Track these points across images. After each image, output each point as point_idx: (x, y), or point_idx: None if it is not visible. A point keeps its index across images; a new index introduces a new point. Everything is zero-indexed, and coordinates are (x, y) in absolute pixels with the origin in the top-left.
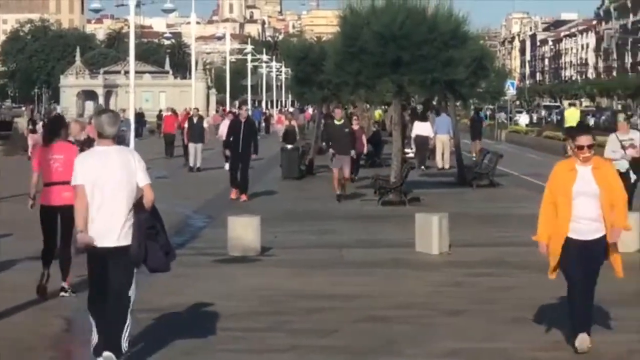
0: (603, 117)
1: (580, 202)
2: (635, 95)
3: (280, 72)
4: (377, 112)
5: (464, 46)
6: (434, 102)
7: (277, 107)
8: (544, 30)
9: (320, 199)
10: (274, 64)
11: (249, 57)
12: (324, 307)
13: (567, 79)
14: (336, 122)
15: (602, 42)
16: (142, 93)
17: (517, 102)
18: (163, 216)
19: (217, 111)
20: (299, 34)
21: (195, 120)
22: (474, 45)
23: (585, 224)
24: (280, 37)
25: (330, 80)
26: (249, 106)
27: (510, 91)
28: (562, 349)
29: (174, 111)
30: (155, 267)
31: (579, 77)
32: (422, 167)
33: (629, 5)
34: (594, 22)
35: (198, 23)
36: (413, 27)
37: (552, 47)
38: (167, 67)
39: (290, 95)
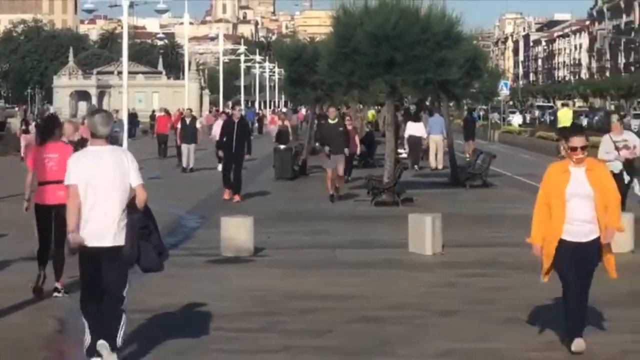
0: (596, 118)
1: (574, 203)
2: (628, 95)
3: (274, 72)
4: (371, 113)
5: (457, 46)
6: (427, 103)
7: (270, 107)
8: (537, 30)
9: (313, 200)
10: (267, 64)
11: (242, 58)
12: (317, 308)
13: (560, 79)
14: (330, 121)
15: (595, 42)
16: (135, 93)
17: (511, 103)
18: (156, 217)
19: (210, 111)
20: (292, 34)
21: (188, 121)
22: (467, 45)
23: (579, 225)
24: (274, 37)
25: (323, 81)
26: (242, 106)
27: (504, 91)
28: (556, 349)
29: (167, 111)
30: (148, 267)
31: (572, 78)
32: (415, 166)
33: (622, 5)
34: (587, 23)
35: (191, 23)
36: (406, 28)
37: (545, 47)
38: (160, 67)
39: (283, 96)
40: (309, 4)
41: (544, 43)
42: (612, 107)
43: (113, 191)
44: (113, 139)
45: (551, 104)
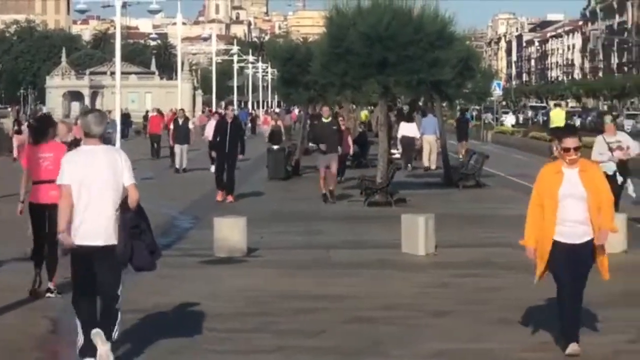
0: (589, 118)
1: (567, 204)
2: (621, 95)
3: (267, 72)
4: (364, 113)
5: (450, 47)
6: (420, 103)
7: (263, 107)
8: (530, 31)
9: (306, 200)
10: (260, 64)
11: (235, 58)
12: (310, 308)
13: (553, 79)
14: (324, 119)
15: (588, 42)
16: (128, 94)
17: (504, 103)
18: (149, 217)
19: (203, 112)
20: (285, 34)
21: (180, 121)
22: (460, 46)
23: (572, 226)
24: (267, 37)
25: (316, 81)
26: (235, 107)
27: (497, 92)
28: (549, 349)
29: (159, 111)
30: (140, 266)
31: (565, 78)
32: (409, 165)
33: (615, 6)
34: (580, 23)
35: (184, 24)
36: (399, 28)
37: (538, 47)
38: (153, 68)
39: (276, 96)
40: (302, 5)
41: (536, 43)
42: (605, 108)
43: (107, 190)
44: (106, 140)
45: (544, 104)
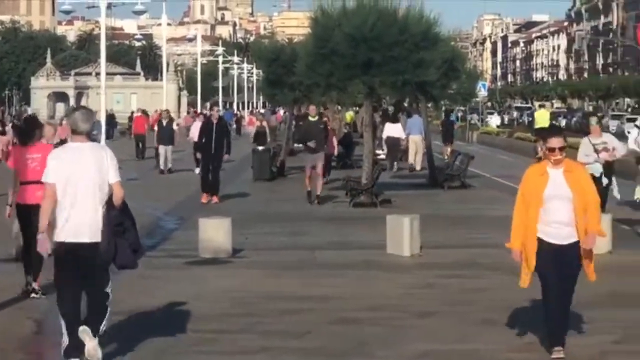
0: (574, 119)
1: (552, 205)
2: (606, 96)
3: (252, 73)
4: (349, 114)
5: (435, 48)
6: (405, 104)
7: (248, 108)
8: (515, 31)
9: (291, 201)
10: (245, 65)
11: (220, 59)
12: (295, 309)
13: (538, 80)
14: (310, 118)
15: (573, 43)
16: (113, 95)
17: (489, 104)
18: (134, 218)
19: (188, 113)
20: (270, 35)
21: (165, 122)
22: (445, 46)
23: (558, 228)
24: (252, 38)
25: (301, 82)
26: (220, 107)
27: (482, 93)
28: (534, 350)
29: (144, 112)
30: (123, 264)
31: (550, 79)
32: (395, 163)
33: (600, 6)
34: (565, 24)
35: (169, 25)
36: (384, 29)
37: (523, 48)
38: (138, 68)
39: (261, 97)
40: (287, 5)
41: (522, 44)
42: (590, 108)
43: (93, 188)
44: (91, 141)
45: (529, 105)
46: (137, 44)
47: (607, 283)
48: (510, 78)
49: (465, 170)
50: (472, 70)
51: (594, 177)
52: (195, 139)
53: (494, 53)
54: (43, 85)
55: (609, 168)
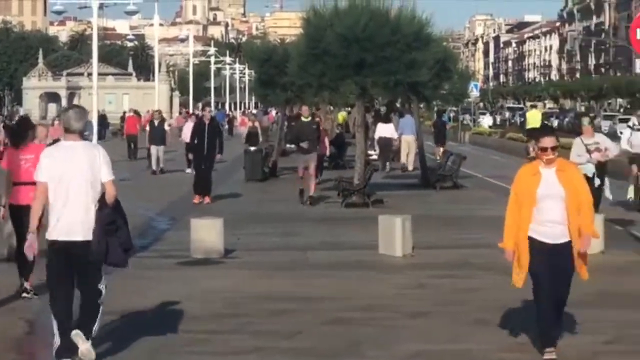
0: (566, 119)
1: (545, 205)
2: (598, 97)
3: (244, 74)
4: (341, 115)
5: (427, 48)
6: (398, 104)
7: (240, 109)
8: (508, 32)
9: (283, 201)
10: (237, 65)
11: (212, 59)
12: (287, 309)
13: (530, 80)
14: (303, 118)
15: (566, 43)
16: (105, 95)
17: (481, 104)
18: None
19: (180, 113)
20: (263, 35)
21: (156, 122)
22: (437, 47)
23: (552, 227)
24: (244, 39)
25: (293, 82)
26: (212, 108)
27: (474, 93)
28: (527, 350)
29: (136, 112)
30: (113, 262)
31: (542, 79)
32: (388, 164)
33: (592, 7)
34: (558, 24)
35: (161, 25)
36: (376, 29)
37: (515, 48)
38: (130, 69)
39: (253, 97)
40: (279, 6)
41: (514, 44)
42: (583, 109)
43: (85, 186)
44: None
45: (521, 105)
46: (129, 44)
47: (599, 283)
48: (502, 78)
49: (457, 170)
50: (464, 71)
51: (586, 178)
52: (188, 139)
53: (486, 53)
54: (35, 85)
55: (602, 169)
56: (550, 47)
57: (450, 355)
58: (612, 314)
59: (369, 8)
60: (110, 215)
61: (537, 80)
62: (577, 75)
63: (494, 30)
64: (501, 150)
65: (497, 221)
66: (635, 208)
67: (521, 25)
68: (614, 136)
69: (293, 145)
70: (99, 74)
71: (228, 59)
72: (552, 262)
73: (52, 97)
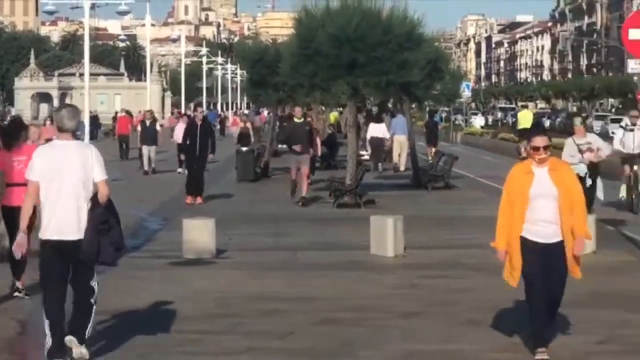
0: (558, 119)
1: (538, 204)
2: (590, 97)
3: (236, 74)
4: (333, 115)
5: (419, 48)
6: (389, 104)
7: (232, 109)
8: (500, 32)
9: (275, 202)
10: (229, 66)
11: (204, 60)
12: (279, 310)
13: (522, 80)
14: (296, 119)
15: (557, 44)
16: (97, 95)
17: (473, 104)
18: None
19: (172, 113)
20: (254, 36)
21: (148, 122)
22: (428, 47)
23: (545, 226)
24: (236, 39)
25: (285, 82)
26: (204, 108)
27: (466, 93)
28: (519, 350)
29: (128, 112)
30: (104, 261)
31: (534, 79)
32: (380, 164)
33: (584, 7)
34: (549, 24)
35: (153, 25)
36: (368, 30)
37: (507, 49)
38: (122, 69)
39: (245, 98)
40: (271, 6)
41: (506, 45)
42: (574, 109)
43: (78, 186)
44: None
45: (513, 105)
46: (121, 44)
47: (591, 283)
48: (494, 79)
49: (449, 170)
50: (456, 71)
51: (578, 178)
52: (180, 140)
53: (477, 53)
54: (27, 85)
55: (594, 169)
56: (542, 47)
57: (442, 355)
58: (604, 314)
59: (360, 8)
60: (102, 214)
61: (529, 80)
62: (569, 75)
63: (486, 30)
64: (493, 150)
65: (489, 221)
66: (626, 208)
67: (513, 26)
68: (605, 136)
69: (285, 145)
70: (91, 74)
71: (220, 59)
72: (545, 262)
73: (44, 97)
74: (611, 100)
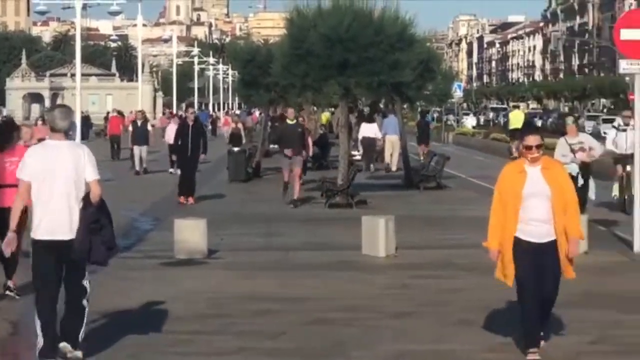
0: (550, 119)
1: (531, 203)
2: (582, 97)
3: (227, 74)
4: (324, 115)
5: (411, 49)
6: (381, 105)
7: (224, 109)
8: (491, 32)
9: (267, 202)
10: (220, 66)
11: (196, 60)
12: (271, 310)
13: (514, 81)
14: (288, 121)
15: (549, 44)
16: (88, 96)
17: (464, 105)
18: None
19: (164, 114)
20: (246, 36)
21: (139, 123)
22: (420, 47)
23: (537, 226)
24: (227, 39)
25: (277, 83)
26: (196, 109)
27: (457, 93)
28: (511, 351)
29: (119, 112)
30: (95, 261)
31: (526, 79)
32: (372, 165)
33: (576, 7)
34: (541, 24)
35: (145, 25)
36: (360, 30)
37: (499, 49)
38: (114, 69)
39: (237, 98)
40: (262, 6)
41: (497, 45)
42: (566, 109)
43: (70, 186)
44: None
45: (505, 105)
46: (113, 44)
47: (583, 283)
48: (486, 79)
49: (441, 171)
50: (448, 71)
51: (570, 177)
52: (171, 141)
53: (469, 54)
54: (18, 86)
55: (586, 169)
56: (534, 47)
57: (434, 355)
58: (596, 314)
59: (352, 8)
60: (94, 214)
61: (520, 80)
62: (561, 75)
63: (478, 30)
64: (485, 150)
65: (481, 221)
66: (619, 208)
67: (505, 26)
68: (597, 136)
69: (276, 145)
70: (83, 75)
71: (211, 60)
72: (538, 262)
73: (36, 97)
74: (603, 100)
